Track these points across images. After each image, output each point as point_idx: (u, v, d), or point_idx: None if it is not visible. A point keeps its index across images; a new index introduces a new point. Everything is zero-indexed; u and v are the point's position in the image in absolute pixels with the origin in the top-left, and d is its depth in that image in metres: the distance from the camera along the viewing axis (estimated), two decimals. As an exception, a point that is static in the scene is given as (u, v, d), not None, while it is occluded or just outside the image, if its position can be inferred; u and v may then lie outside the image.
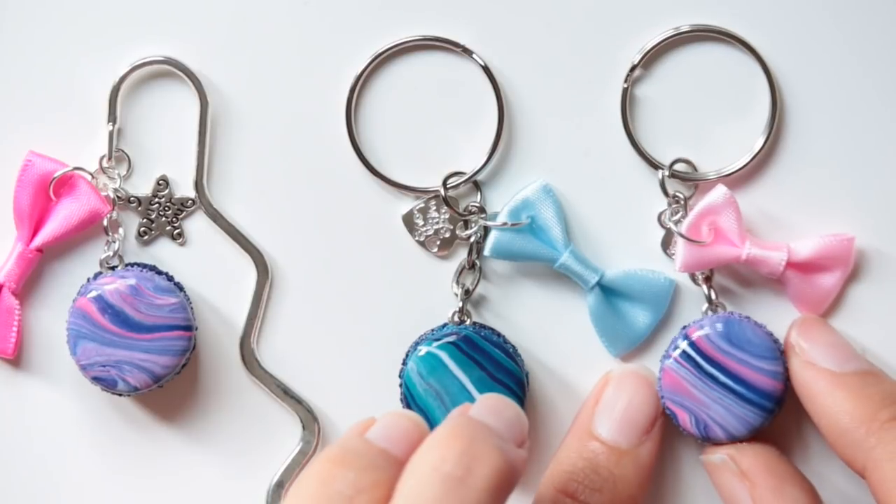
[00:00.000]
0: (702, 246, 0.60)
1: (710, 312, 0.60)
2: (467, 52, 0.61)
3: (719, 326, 0.58)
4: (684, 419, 0.58)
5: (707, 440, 0.58)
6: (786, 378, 0.58)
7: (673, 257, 0.61)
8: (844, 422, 0.54)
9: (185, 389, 0.62)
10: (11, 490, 0.63)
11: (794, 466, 0.58)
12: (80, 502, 0.63)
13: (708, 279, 0.61)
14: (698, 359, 0.58)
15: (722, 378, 0.58)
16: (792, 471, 0.57)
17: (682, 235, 0.60)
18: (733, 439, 0.58)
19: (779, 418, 0.59)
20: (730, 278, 0.61)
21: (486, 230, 0.61)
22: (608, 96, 0.61)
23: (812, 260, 0.59)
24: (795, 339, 0.58)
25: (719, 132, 0.61)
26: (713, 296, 0.61)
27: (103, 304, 0.59)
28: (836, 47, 0.61)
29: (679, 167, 0.61)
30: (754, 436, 0.58)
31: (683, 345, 0.58)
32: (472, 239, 0.61)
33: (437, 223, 0.62)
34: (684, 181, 0.61)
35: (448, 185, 0.61)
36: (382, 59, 0.61)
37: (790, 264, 0.59)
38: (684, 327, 0.59)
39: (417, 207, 0.62)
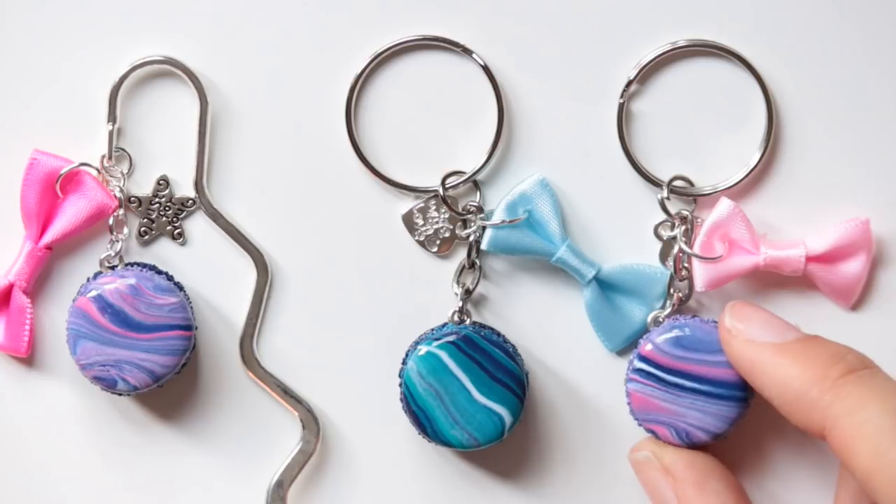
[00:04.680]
0: (718, 261, 0.60)
1: (656, 323, 0.60)
2: (467, 52, 0.61)
3: (667, 335, 0.58)
4: (664, 434, 0.58)
5: (693, 446, 0.58)
6: None
7: (670, 268, 0.61)
8: (796, 386, 0.53)
9: (185, 389, 0.62)
10: (12, 488, 0.63)
11: (720, 463, 0.57)
12: (80, 500, 0.63)
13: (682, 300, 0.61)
14: (658, 372, 0.58)
15: (687, 384, 0.57)
16: (716, 466, 0.57)
17: (696, 256, 0.60)
18: (717, 438, 0.58)
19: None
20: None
21: (486, 229, 0.61)
22: (606, 97, 0.61)
23: (832, 249, 0.59)
24: (730, 323, 0.57)
25: (716, 146, 0.61)
26: (672, 308, 0.61)
27: (103, 304, 0.59)
28: (831, 61, 0.61)
29: (676, 184, 0.61)
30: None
31: (639, 363, 0.58)
32: (471, 238, 0.61)
33: (437, 223, 0.62)
34: (682, 196, 0.61)
35: (447, 185, 0.61)
36: (382, 59, 0.61)
37: (810, 258, 0.59)
38: (636, 346, 0.59)
39: (417, 207, 0.62)
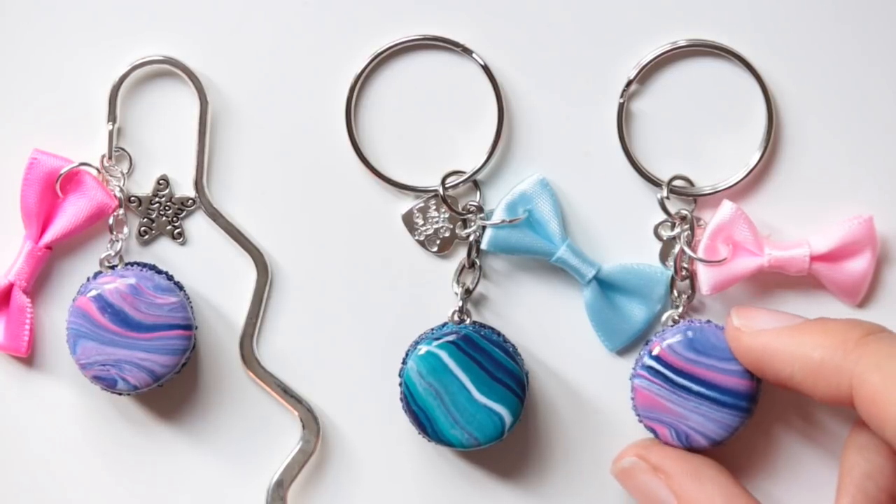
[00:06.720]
0: (723, 264, 0.59)
1: (672, 322, 0.60)
2: (467, 51, 0.61)
3: (681, 337, 0.58)
4: (664, 434, 0.58)
5: (691, 450, 0.58)
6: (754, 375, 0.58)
7: (670, 268, 0.61)
8: (818, 355, 0.53)
9: (185, 389, 0.62)
10: (12, 488, 0.63)
11: (708, 458, 0.57)
12: (80, 500, 0.63)
13: (689, 299, 0.61)
14: (667, 372, 0.58)
15: (694, 387, 0.57)
16: (705, 458, 0.57)
17: (700, 260, 0.59)
18: (715, 444, 0.58)
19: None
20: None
21: (486, 229, 0.61)
22: (606, 97, 0.61)
23: (836, 248, 0.59)
24: (738, 322, 0.57)
25: (716, 146, 0.61)
26: (682, 309, 0.61)
27: (103, 304, 0.59)
28: (831, 61, 0.61)
29: (676, 183, 0.61)
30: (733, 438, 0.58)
31: (649, 360, 0.58)
32: (471, 238, 0.61)
33: (437, 222, 0.62)
34: (682, 196, 0.61)
35: (447, 185, 0.61)
36: (382, 59, 0.61)
37: (815, 258, 0.59)
38: (647, 342, 0.59)
39: (417, 207, 0.62)
